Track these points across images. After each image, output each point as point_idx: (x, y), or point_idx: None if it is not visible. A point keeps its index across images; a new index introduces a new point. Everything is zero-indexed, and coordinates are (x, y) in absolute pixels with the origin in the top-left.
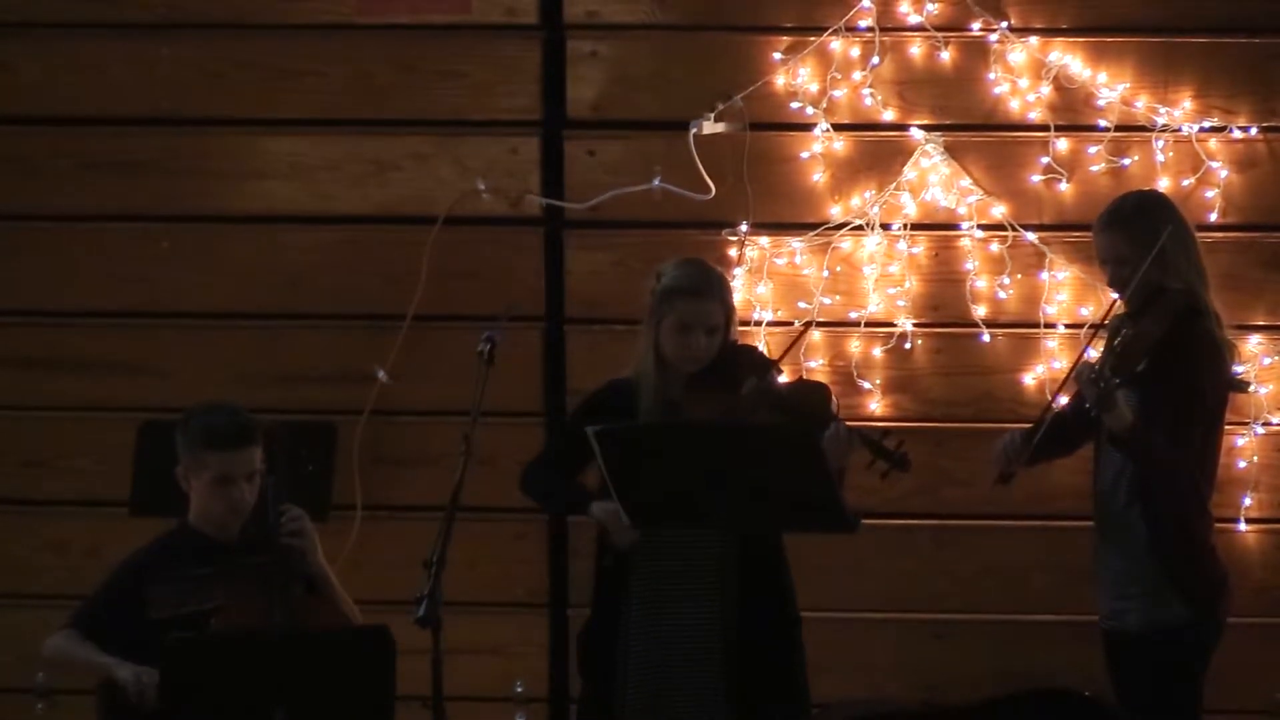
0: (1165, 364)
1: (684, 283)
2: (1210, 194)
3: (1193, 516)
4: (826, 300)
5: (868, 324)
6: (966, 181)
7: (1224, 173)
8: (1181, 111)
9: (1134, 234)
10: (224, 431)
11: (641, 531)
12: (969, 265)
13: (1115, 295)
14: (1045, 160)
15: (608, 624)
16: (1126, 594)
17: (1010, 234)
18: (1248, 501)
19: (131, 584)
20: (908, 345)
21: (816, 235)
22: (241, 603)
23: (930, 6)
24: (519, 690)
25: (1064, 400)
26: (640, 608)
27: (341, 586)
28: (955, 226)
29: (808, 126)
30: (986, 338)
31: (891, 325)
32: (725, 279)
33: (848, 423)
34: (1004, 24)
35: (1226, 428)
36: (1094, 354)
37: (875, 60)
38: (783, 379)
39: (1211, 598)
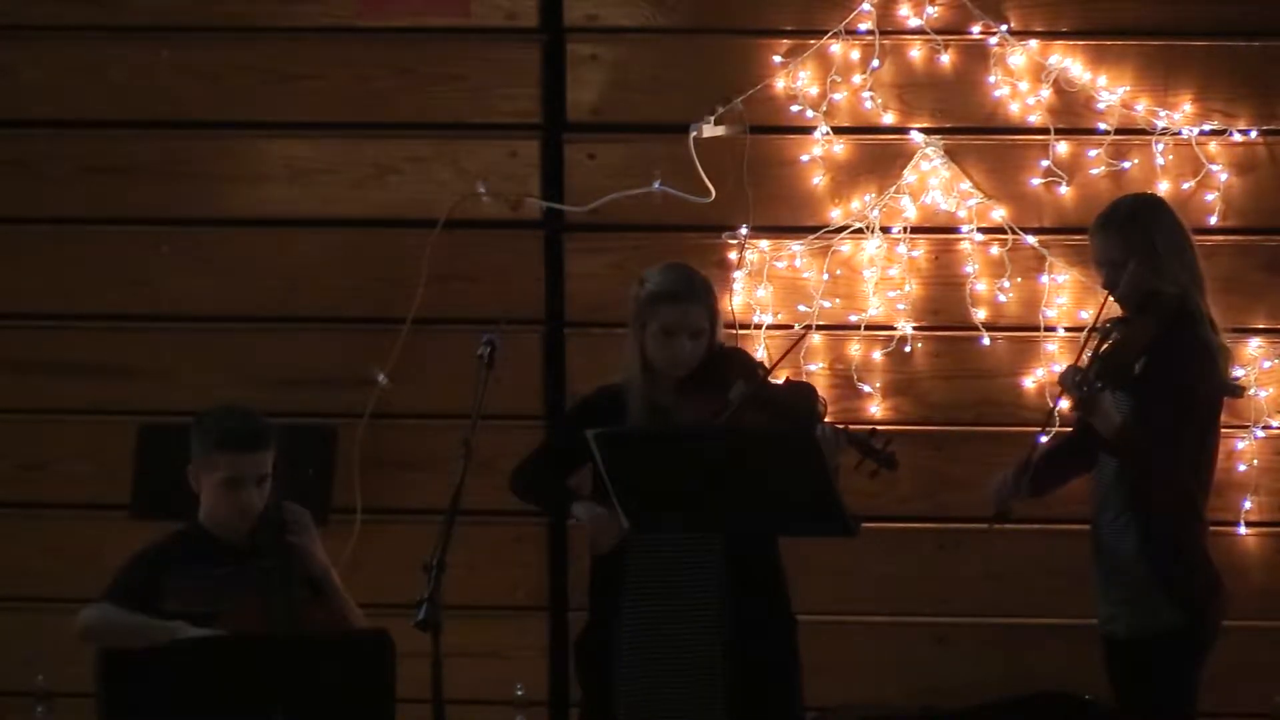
0: (1157, 368)
1: (666, 287)
2: (1210, 197)
3: (1185, 521)
4: (826, 304)
5: (868, 327)
6: (966, 184)
7: (1224, 176)
8: (1182, 115)
9: (1127, 237)
10: (236, 433)
11: (638, 534)
12: (969, 268)
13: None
14: (1045, 163)
15: (603, 627)
16: (1120, 599)
17: (1010, 237)
18: (1247, 505)
19: (148, 575)
20: (908, 349)
21: (816, 238)
22: (244, 606)
23: (930, 10)
24: (519, 693)
25: (1044, 440)
26: (634, 611)
27: (345, 588)
28: (955, 230)
29: (808, 129)
30: (987, 341)
31: (891, 329)
32: (709, 282)
33: (839, 423)
34: (1004, 27)
35: (1226, 431)
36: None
37: (875, 63)
38: (773, 381)
39: (1204, 602)
